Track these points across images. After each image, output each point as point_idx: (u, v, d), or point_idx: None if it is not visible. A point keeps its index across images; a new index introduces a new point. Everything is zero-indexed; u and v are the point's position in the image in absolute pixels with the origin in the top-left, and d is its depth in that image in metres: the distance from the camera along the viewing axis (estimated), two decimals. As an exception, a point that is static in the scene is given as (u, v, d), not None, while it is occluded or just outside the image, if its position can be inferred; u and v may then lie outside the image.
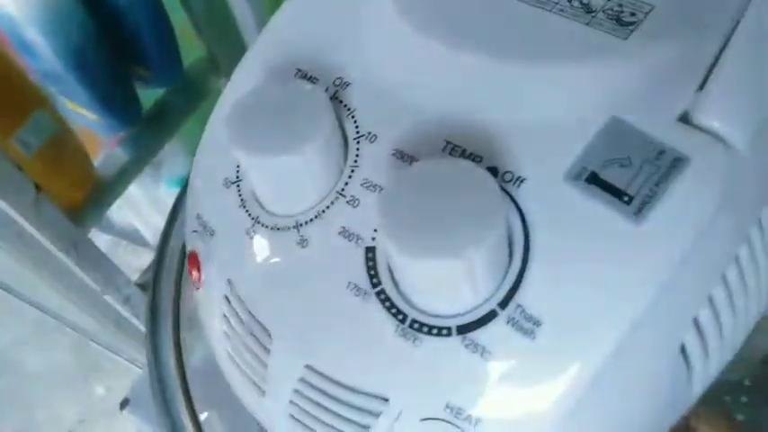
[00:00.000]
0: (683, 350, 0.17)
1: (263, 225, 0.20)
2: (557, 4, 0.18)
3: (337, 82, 0.20)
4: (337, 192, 0.19)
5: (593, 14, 0.18)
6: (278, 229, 0.19)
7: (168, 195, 0.65)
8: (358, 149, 0.19)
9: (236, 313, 0.20)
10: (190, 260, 0.23)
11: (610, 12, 0.18)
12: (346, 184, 0.19)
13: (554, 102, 0.17)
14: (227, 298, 0.21)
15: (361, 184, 0.18)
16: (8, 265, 0.48)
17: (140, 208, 0.68)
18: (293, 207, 0.19)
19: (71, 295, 0.50)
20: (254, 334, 0.20)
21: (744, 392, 0.28)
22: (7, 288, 0.87)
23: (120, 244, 0.79)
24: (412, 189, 0.15)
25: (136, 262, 0.69)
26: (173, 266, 0.38)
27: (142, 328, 0.59)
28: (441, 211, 0.15)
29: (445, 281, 0.15)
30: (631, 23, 0.18)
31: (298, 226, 0.19)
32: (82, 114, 0.53)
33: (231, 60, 0.23)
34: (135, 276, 0.57)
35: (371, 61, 0.19)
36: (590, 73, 0.17)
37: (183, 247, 0.37)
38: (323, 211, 0.19)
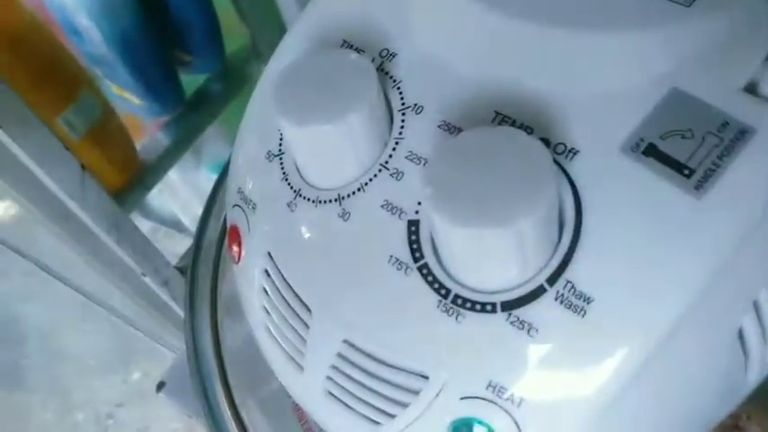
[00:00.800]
0: (740, 335, 0.16)
1: (305, 198, 0.19)
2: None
3: (383, 53, 0.19)
4: (381, 164, 0.18)
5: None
6: (320, 201, 0.19)
7: (208, 181, 0.65)
8: (403, 121, 0.18)
9: (276, 287, 0.20)
10: (230, 235, 0.23)
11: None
12: (390, 156, 0.18)
13: (611, 72, 0.16)
14: (267, 272, 0.21)
15: (406, 157, 0.18)
16: (54, 248, 0.49)
17: (180, 194, 0.69)
18: (336, 180, 0.19)
19: (111, 276, 0.51)
20: (293, 308, 0.20)
21: (797, 395, 0.27)
22: (52, 272, 0.90)
23: (160, 230, 0.80)
24: (459, 158, 0.15)
25: (175, 248, 0.70)
26: (211, 251, 0.39)
27: (180, 311, 0.59)
28: (489, 180, 0.14)
29: (492, 253, 0.15)
30: (695, -10, 0.17)
31: (340, 199, 0.19)
32: (126, 98, 0.54)
33: (273, 47, 0.23)
34: (173, 262, 0.58)
35: (419, 32, 0.19)
36: (650, 41, 0.16)
37: (222, 231, 0.38)
38: (366, 184, 0.18)
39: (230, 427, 0.32)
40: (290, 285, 0.20)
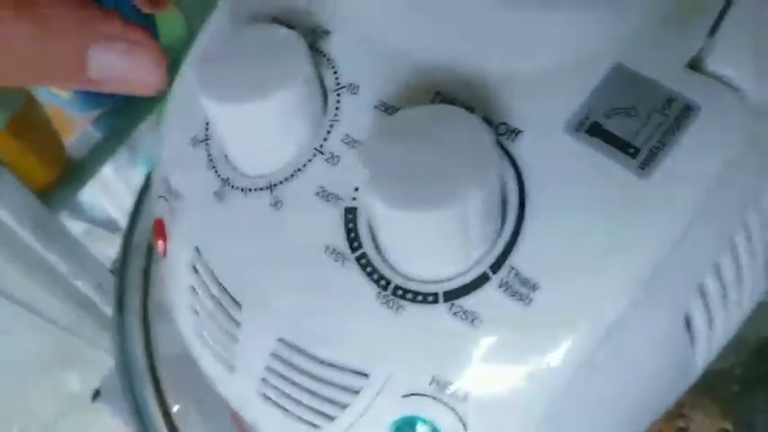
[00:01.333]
0: (686, 321, 0.15)
1: (233, 186, 0.18)
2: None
3: (317, 30, 0.18)
4: (315, 148, 0.17)
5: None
6: (250, 190, 0.18)
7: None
8: (338, 102, 0.17)
9: (204, 284, 0.19)
10: (155, 228, 0.21)
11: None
12: (325, 139, 0.17)
13: (554, 49, 0.15)
14: (194, 268, 0.19)
15: (342, 140, 0.17)
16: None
17: (115, 193, 0.66)
18: (267, 165, 0.17)
19: (40, 279, 0.48)
20: (223, 306, 0.18)
21: (736, 382, 0.27)
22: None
23: (93, 232, 0.76)
24: (397, 137, 0.14)
25: (108, 250, 0.67)
26: (142, 249, 0.37)
27: (115, 316, 0.57)
28: (429, 160, 0.13)
29: (433, 238, 0.14)
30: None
31: (271, 186, 0.17)
32: (53, 92, 0.51)
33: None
34: (108, 265, 0.55)
35: (353, 9, 0.18)
36: (593, 17, 0.15)
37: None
38: (299, 170, 0.17)
39: (163, 435, 0.30)
40: (219, 281, 0.18)
